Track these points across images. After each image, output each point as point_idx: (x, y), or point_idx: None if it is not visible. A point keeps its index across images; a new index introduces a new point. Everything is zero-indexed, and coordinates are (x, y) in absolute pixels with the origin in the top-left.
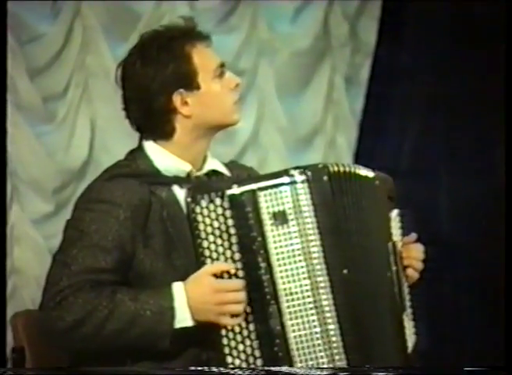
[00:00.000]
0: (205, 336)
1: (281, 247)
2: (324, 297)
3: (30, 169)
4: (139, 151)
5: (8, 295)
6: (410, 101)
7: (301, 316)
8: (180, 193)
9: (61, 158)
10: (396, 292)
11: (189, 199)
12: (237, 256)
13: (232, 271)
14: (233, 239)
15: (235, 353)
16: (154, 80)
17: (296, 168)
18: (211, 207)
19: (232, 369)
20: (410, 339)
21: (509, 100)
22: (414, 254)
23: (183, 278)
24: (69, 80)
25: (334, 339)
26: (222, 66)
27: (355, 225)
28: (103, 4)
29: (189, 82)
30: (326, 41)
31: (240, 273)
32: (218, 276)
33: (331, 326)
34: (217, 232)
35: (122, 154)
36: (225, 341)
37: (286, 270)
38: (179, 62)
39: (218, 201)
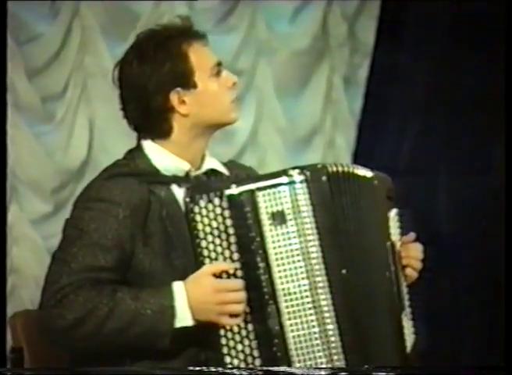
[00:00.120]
0: (204, 336)
1: (279, 247)
2: (322, 297)
3: (28, 169)
4: (138, 150)
5: (7, 295)
6: (409, 101)
7: (300, 316)
8: (179, 192)
9: (60, 159)
10: (394, 292)
11: (187, 199)
12: (236, 256)
13: (232, 271)
14: (232, 239)
15: (233, 353)
16: (150, 79)
17: (294, 168)
18: (210, 207)
19: (231, 369)
20: (409, 339)
21: (509, 100)
22: (413, 253)
23: (181, 278)
24: (68, 80)
25: (333, 339)
26: (219, 64)
27: (354, 225)
28: (102, 4)
29: (186, 81)
30: (325, 40)
31: (239, 273)
32: (218, 275)
33: (329, 326)
34: (215, 232)
35: (120, 154)
36: (223, 340)
37: (285, 270)
38: (176, 61)
39: (216, 201)
